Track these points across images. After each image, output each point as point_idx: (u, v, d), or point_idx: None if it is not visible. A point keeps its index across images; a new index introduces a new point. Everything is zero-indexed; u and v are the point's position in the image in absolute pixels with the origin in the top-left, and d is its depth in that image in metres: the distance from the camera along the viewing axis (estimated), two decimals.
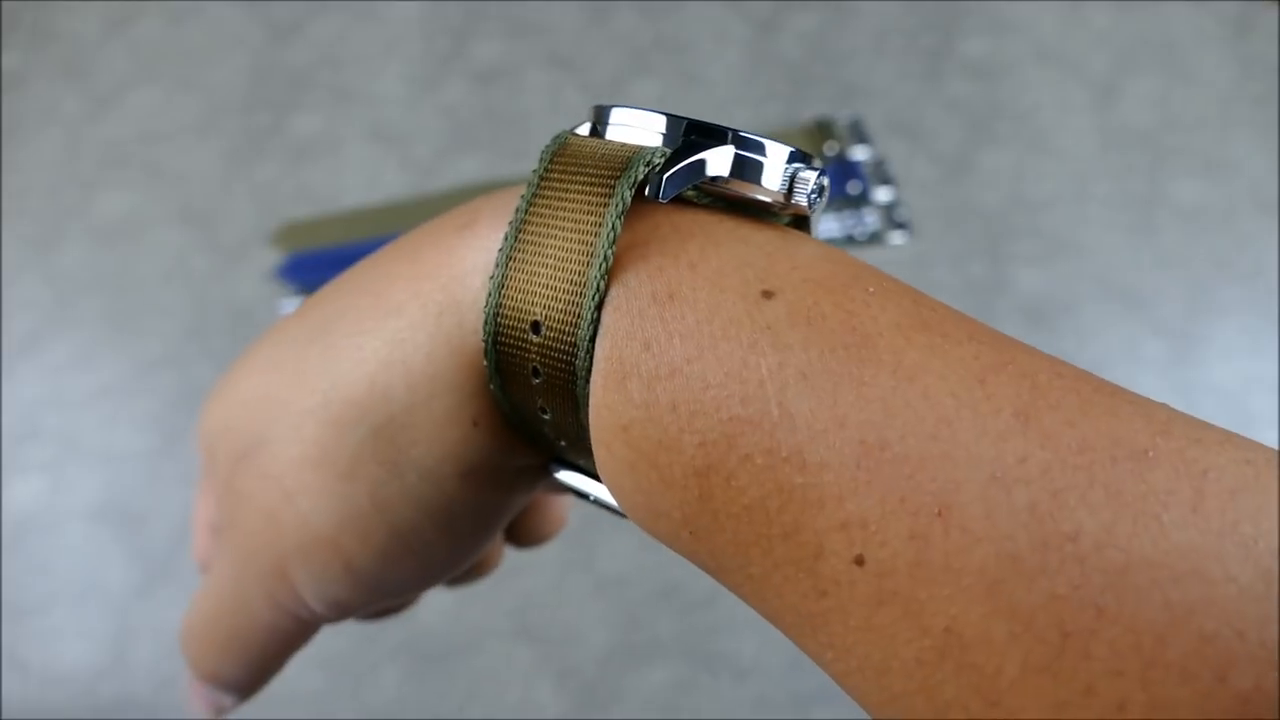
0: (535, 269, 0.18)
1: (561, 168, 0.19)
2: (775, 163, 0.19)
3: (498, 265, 0.19)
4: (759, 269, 0.17)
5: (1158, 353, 0.67)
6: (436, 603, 0.59)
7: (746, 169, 0.19)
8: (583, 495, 0.22)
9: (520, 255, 0.19)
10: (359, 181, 0.77)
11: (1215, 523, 0.14)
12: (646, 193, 0.18)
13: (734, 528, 0.17)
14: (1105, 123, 0.76)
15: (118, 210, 0.77)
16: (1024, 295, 0.69)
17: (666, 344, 0.17)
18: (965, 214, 0.73)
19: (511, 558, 0.60)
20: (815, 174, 0.19)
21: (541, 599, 0.58)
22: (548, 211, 0.19)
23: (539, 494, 0.26)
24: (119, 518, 0.63)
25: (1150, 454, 0.14)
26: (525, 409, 0.20)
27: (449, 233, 0.21)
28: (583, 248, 0.18)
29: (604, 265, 0.18)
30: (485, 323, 0.19)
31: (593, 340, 0.18)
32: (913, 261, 0.70)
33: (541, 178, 0.19)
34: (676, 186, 0.18)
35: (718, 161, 0.19)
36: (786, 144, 0.19)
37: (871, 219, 0.72)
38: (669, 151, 0.18)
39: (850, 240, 0.72)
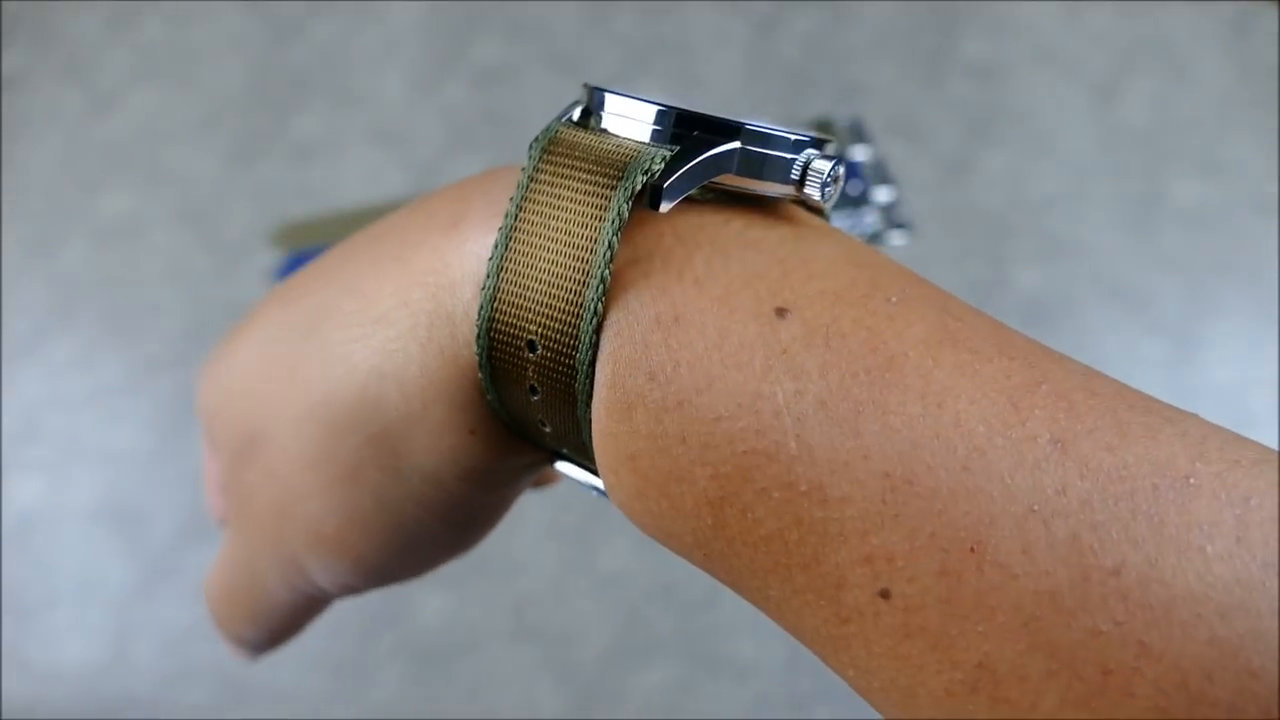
0: (529, 283, 0.17)
1: (553, 166, 0.17)
2: (786, 154, 0.18)
3: (489, 276, 0.17)
4: (771, 282, 0.16)
5: (1158, 353, 0.67)
6: (436, 603, 0.59)
7: (754, 166, 0.17)
8: (589, 488, 0.21)
9: (512, 267, 0.17)
10: (359, 181, 0.77)
11: (1261, 554, 0.13)
12: (646, 203, 0.17)
13: (750, 555, 0.16)
14: (1105, 123, 0.76)
15: (118, 210, 0.77)
16: (1024, 295, 0.69)
17: (673, 373, 0.16)
18: (965, 214, 0.73)
19: (512, 557, 0.60)
20: (830, 164, 0.17)
21: (541, 599, 0.58)
22: (539, 220, 0.17)
23: None
24: (119, 517, 0.63)
25: (1192, 481, 0.14)
26: (524, 420, 0.19)
27: (436, 233, 0.19)
28: (578, 264, 0.17)
29: (601, 287, 0.16)
30: (478, 338, 0.18)
31: (592, 364, 0.17)
32: (913, 262, 0.70)
33: (531, 177, 0.18)
34: (678, 195, 0.16)
35: (723, 162, 0.17)
36: (795, 131, 0.18)
37: (871, 219, 0.72)
38: (669, 155, 0.16)
39: None
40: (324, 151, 0.79)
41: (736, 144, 0.17)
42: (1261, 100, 0.76)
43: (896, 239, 0.72)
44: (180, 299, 0.72)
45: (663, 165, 0.16)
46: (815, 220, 0.19)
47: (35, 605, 0.60)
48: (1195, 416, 0.15)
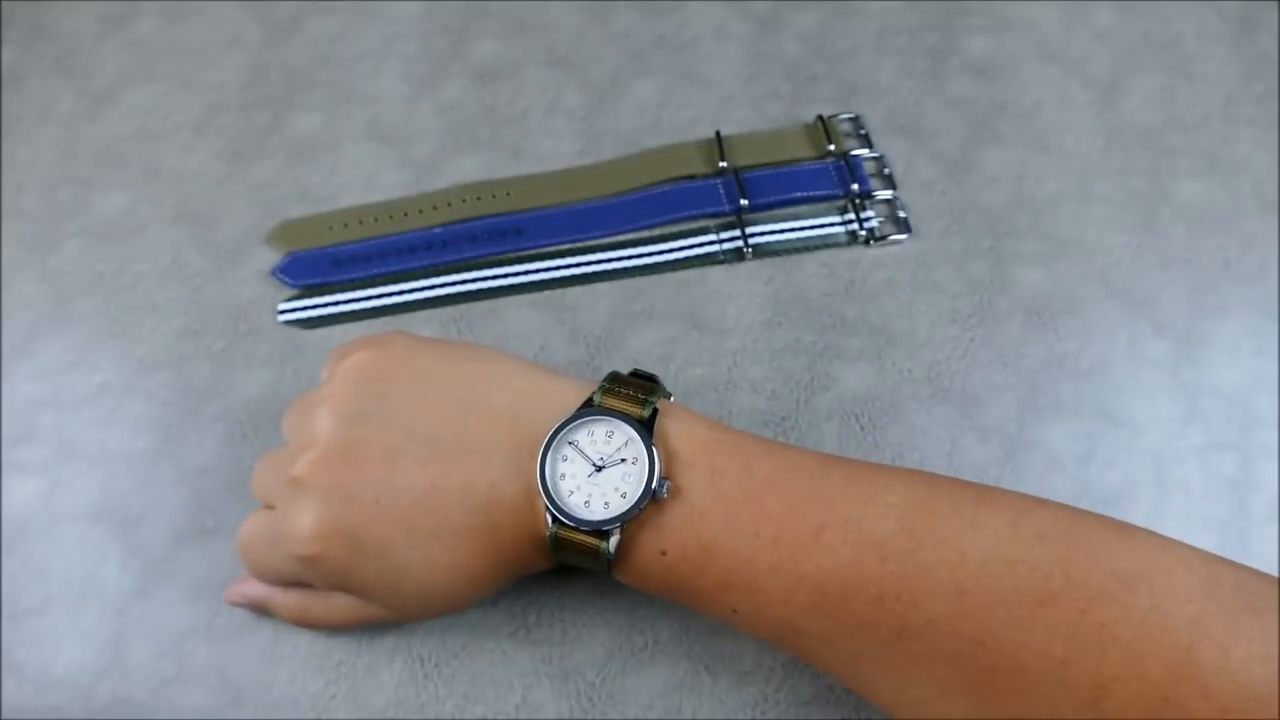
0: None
1: None
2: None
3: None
4: (660, 538, 0.42)
5: (1161, 353, 0.66)
6: None
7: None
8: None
9: None
10: (357, 180, 0.77)
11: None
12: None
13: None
14: (1108, 121, 0.76)
15: (114, 209, 0.76)
16: (1026, 295, 0.69)
17: (645, 582, 0.44)
18: (967, 213, 0.72)
19: None
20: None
21: (541, 600, 0.58)
22: None
23: None
24: (116, 518, 0.63)
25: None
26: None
27: None
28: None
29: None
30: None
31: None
32: (914, 261, 0.70)
33: None
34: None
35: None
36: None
37: (873, 218, 0.72)
38: (619, 535, 0.43)
39: (852, 239, 0.71)
40: (322, 150, 0.78)
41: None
42: (1267, 98, 0.76)
43: (897, 238, 0.71)
44: (177, 298, 0.72)
45: (615, 548, 0.44)
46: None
47: (30, 608, 0.60)
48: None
